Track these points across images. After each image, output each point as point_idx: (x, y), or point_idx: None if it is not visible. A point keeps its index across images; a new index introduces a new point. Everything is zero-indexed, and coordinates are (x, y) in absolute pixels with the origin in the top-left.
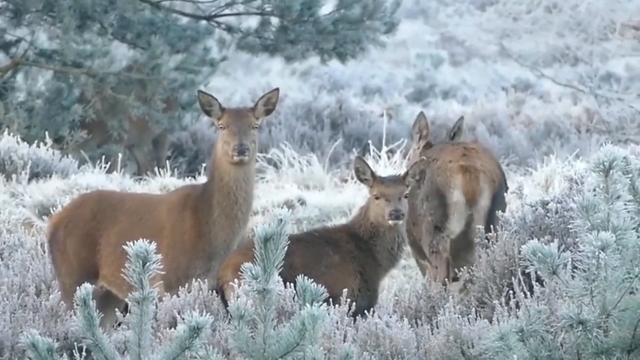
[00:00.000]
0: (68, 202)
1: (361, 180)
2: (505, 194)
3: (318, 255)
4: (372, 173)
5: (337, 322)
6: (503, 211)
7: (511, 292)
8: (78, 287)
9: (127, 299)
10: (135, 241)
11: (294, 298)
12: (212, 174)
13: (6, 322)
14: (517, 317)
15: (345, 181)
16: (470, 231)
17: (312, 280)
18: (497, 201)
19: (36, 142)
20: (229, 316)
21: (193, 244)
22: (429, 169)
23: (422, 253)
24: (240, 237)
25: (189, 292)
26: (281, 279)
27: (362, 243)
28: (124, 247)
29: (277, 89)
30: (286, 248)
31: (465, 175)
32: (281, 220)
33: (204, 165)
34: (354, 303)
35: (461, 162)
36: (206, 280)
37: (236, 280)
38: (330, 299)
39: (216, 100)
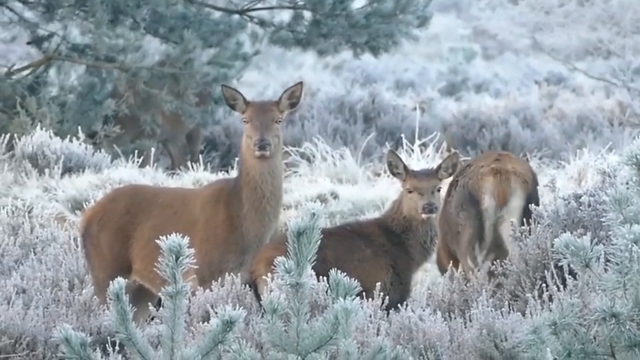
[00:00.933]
0: (101, 196)
1: (394, 174)
2: (538, 197)
3: (351, 249)
4: (405, 167)
5: (370, 316)
6: None
7: (544, 285)
8: (111, 282)
9: (159, 293)
10: (168, 236)
11: (327, 291)
12: (240, 168)
13: (39, 317)
14: (550, 310)
15: (378, 174)
16: (498, 235)
17: (344, 273)
18: (532, 202)
19: (69, 136)
20: (262, 310)
21: (226, 238)
22: (462, 177)
23: (447, 256)
24: (272, 231)
25: (222, 287)
26: (314, 272)
27: (394, 237)
28: (157, 241)
29: (301, 83)
30: (319, 242)
31: (496, 177)
32: (314, 214)
33: (236, 159)
34: (387, 297)
35: (492, 165)
36: (239, 274)
37: (269, 274)
38: (363, 293)
39: (240, 93)
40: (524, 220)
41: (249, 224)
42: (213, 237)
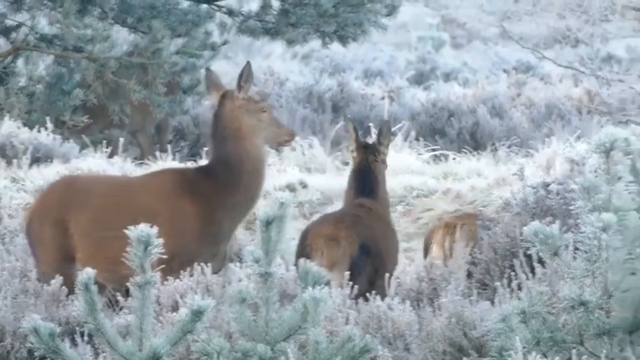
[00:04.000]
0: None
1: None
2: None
3: None
4: (358, 138)
5: (339, 305)
6: None
7: (513, 273)
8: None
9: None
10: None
11: (296, 281)
12: (228, 157)
13: (7, 308)
14: (519, 299)
15: (347, 163)
16: None
17: None
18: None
19: (37, 127)
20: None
21: (201, 231)
22: None
23: None
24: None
25: (191, 276)
26: None
27: None
28: (103, 232)
29: (248, 62)
30: None
31: None
32: (283, 203)
33: (205, 149)
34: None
35: None
36: (209, 264)
37: (325, 251)
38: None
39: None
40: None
41: (231, 214)
42: (182, 230)
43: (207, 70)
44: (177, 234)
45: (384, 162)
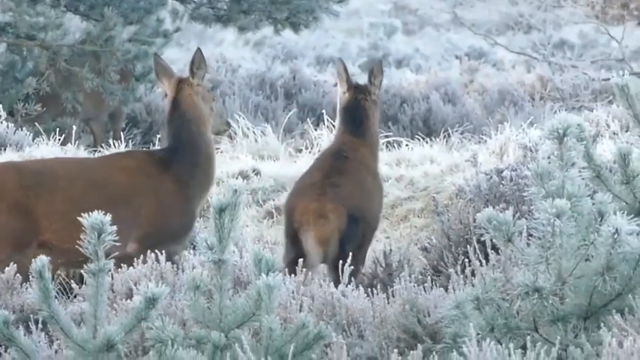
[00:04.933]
0: None
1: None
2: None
3: None
4: (348, 78)
5: (293, 292)
6: None
7: (466, 260)
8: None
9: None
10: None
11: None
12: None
13: None
14: (473, 285)
15: (300, 150)
16: None
17: None
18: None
19: None
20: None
21: (183, 208)
22: None
23: None
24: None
25: (144, 264)
26: None
27: None
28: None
29: (198, 48)
30: None
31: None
32: (236, 190)
33: (158, 136)
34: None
35: None
36: (163, 251)
37: (313, 225)
38: None
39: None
40: None
41: (198, 195)
42: (167, 207)
43: (156, 55)
44: (161, 211)
45: (374, 102)
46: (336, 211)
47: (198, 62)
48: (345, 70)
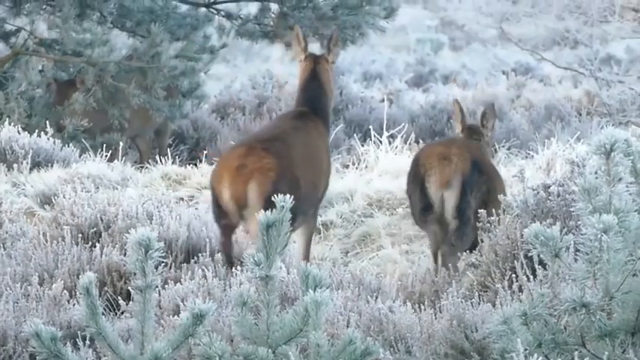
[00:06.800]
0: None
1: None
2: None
3: None
4: (463, 119)
5: (340, 308)
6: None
7: (514, 275)
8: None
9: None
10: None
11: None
12: (329, 109)
13: (9, 312)
14: (520, 301)
15: (347, 166)
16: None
17: None
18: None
19: (37, 131)
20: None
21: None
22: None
23: None
24: None
25: (192, 280)
26: None
27: None
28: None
29: (335, 29)
30: None
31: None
32: (282, 206)
33: (204, 152)
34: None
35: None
36: (209, 267)
37: (438, 169)
38: None
39: None
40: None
41: None
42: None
43: (296, 26)
44: (324, 170)
45: (487, 144)
46: (460, 155)
47: (335, 40)
48: (461, 110)
